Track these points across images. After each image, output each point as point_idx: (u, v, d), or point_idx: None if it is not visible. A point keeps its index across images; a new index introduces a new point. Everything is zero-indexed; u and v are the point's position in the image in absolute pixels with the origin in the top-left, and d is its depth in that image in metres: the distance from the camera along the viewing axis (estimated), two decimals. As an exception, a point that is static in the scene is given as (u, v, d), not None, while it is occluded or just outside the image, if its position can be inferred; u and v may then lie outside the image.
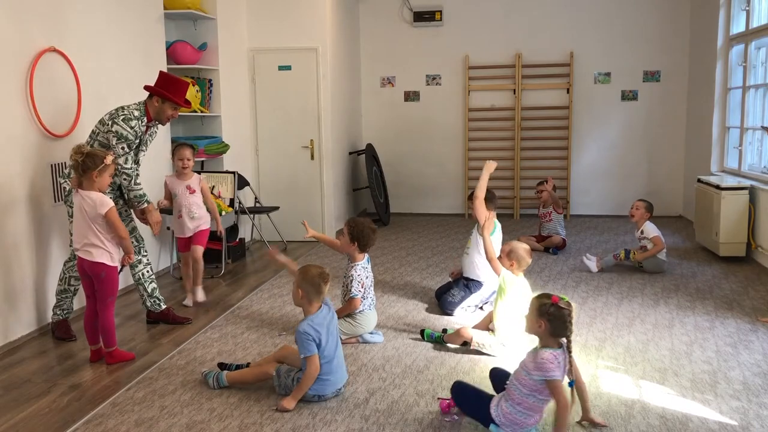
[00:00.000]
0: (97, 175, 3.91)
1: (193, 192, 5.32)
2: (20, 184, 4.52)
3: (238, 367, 3.78)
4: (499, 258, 4.23)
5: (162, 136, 6.29)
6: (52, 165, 4.80)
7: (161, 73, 4.73)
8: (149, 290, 4.76)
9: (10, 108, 4.41)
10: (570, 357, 2.96)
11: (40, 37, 4.67)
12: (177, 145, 5.41)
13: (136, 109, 4.52)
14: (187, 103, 4.82)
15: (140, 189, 4.54)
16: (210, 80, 6.99)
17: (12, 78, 4.44)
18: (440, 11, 9.12)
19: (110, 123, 4.44)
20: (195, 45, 6.74)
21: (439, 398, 3.46)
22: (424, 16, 9.14)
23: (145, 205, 4.59)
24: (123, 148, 4.42)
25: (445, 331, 4.34)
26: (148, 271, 4.76)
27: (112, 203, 3.94)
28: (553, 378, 2.86)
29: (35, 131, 4.64)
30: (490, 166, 4.93)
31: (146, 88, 4.66)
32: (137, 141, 4.54)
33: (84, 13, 5.14)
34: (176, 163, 5.34)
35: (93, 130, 4.57)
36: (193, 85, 6.68)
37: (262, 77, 7.71)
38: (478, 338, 4.06)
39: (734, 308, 4.96)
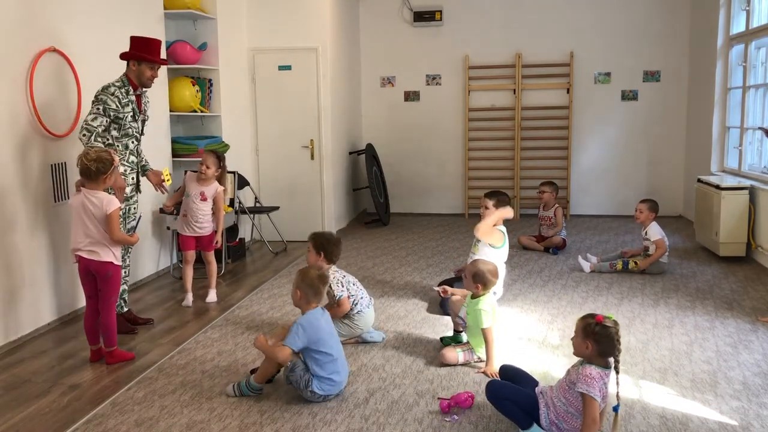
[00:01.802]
0: (108, 177, 3.96)
1: (204, 200, 5.26)
2: (20, 184, 4.52)
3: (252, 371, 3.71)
4: (463, 276, 4.13)
5: (162, 135, 6.30)
6: (52, 165, 4.80)
7: (132, 38, 4.70)
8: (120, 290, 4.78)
9: (10, 108, 4.42)
10: (618, 379, 2.85)
11: (40, 37, 4.67)
12: (207, 148, 5.38)
13: (117, 81, 4.56)
14: (164, 60, 4.80)
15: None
16: (210, 80, 6.99)
17: (12, 78, 4.44)
18: (440, 11, 9.12)
19: (94, 100, 4.46)
20: (195, 45, 6.74)
21: (439, 398, 3.46)
22: (424, 16, 9.14)
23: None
24: (97, 109, 4.41)
25: (442, 340, 4.31)
26: (126, 273, 4.77)
27: (118, 203, 3.97)
28: (591, 395, 2.78)
29: (35, 131, 4.64)
30: (505, 213, 4.92)
31: (121, 56, 4.65)
32: (124, 110, 4.50)
33: (84, 13, 5.15)
34: (198, 166, 5.32)
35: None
36: (193, 85, 6.68)
37: (262, 77, 7.71)
38: (463, 359, 3.96)
39: (734, 308, 4.96)
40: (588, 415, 2.80)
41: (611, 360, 2.86)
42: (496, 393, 3.13)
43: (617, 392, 2.87)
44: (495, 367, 3.74)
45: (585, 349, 2.86)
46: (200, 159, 5.41)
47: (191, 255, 5.37)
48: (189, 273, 5.36)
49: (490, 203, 5.08)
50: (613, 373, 2.86)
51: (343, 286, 4.33)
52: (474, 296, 3.99)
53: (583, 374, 2.84)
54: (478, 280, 3.96)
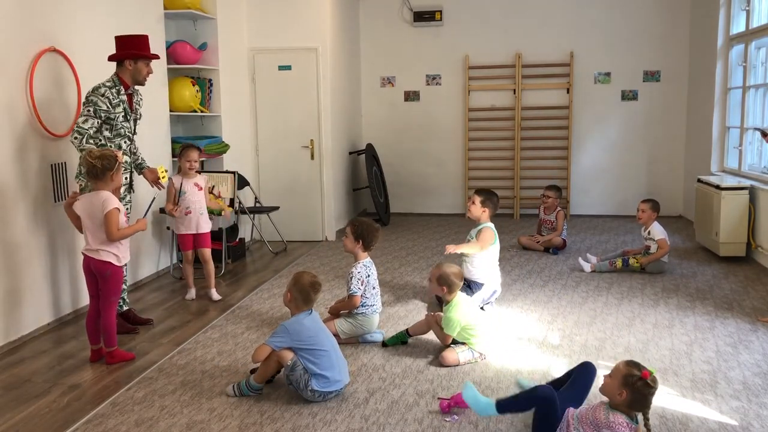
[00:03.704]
0: (114, 175, 3.96)
1: (201, 189, 5.42)
2: (20, 184, 4.52)
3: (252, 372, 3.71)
4: (429, 281, 4.17)
5: (162, 135, 6.30)
6: (52, 165, 4.80)
7: (118, 38, 4.67)
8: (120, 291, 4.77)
9: (10, 108, 4.42)
10: None
11: (40, 37, 4.67)
12: (184, 146, 5.46)
13: (107, 81, 4.55)
14: (155, 55, 4.77)
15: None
16: (210, 80, 6.99)
17: (12, 77, 4.44)
18: (440, 11, 9.12)
19: (84, 101, 4.48)
20: (195, 45, 6.74)
21: (439, 398, 3.46)
22: (424, 16, 9.14)
23: None
24: (88, 111, 4.42)
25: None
26: (124, 272, 4.74)
27: (116, 204, 3.96)
28: None
29: (35, 131, 4.64)
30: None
31: (110, 58, 4.64)
32: (115, 110, 4.50)
33: (84, 13, 5.15)
34: (183, 164, 5.39)
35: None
36: (193, 85, 6.68)
37: (262, 77, 7.71)
38: (464, 359, 3.98)
39: (734, 308, 4.96)
40: None
41: (638, 415, 2.76)
42: (545, 399, 2.95)
43: None
44: (461, 360, 3.95)
45: (617, 395, 2.73)
46: (201, 159, 5.43)
47: (192, 254, 5.48)
48: (190, 271, 5.49)
49: (478, 199, 5.18)
50: (638, 426, 2.77)
51: (362, 285, 4.36)
52: (447, 302, 4.09)
53: (614, 422, 2.73)
54: (443, 282, 4.04)
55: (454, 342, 4.10)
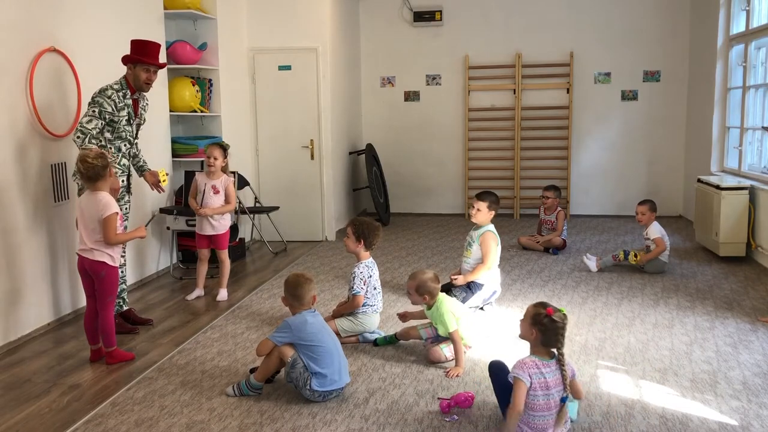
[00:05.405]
0: (111, 172, 3.98)
1: (217, 193, 5.38)
2: (20, 184, 4.52)
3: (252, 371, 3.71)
4: (408, 294, 4.10)
5: (162, 135, 6.30)
6: (52, 165, 4.80)
7: (132, 42, 4.71)
8: (118, 290, 4.77)
9: (10, 108, 4.42)
10: (563, 370, 2.91)
11: (40, 37, 4.67)
12: (209, 143, 5.47)
13: (116, 83, 4.58)
14: (161, 64, 4.79)
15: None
16: (210, 80, 6.99)
17: (12, 78, 4.44)
18: (440, 11, 9.12)
19: (90, 102, 4.49)
20: (195, 45, 6.74)
21: (439, 398, 3.46)
22: (424, 16, 9.14)
23: None
24: (93, 111, 4.44)
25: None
26: (123, 272, 4.77)
27: (116, 209, 3.95)
28: (517, 375, 2.89)
29: (35, 131, 4.64)
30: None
31: (122, 60, 4.67)
32: (119, 114, 4.52)
33: (84, 13, 5.15)
34: (205, 161, 5.42)
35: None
36: (193, 85, 6.68)
37: (262, 77, 7.71)
38: (450, 354, 3.96)
39: (734, 308, 4.96)
40: (514, 398, 2.87)
41: (554, 351, 2.95)
42: (498, 369, 3.17)
43: (565, 384, 2.92)
44: (447, 355, 3.95)
45: (530, 335, 2.99)
46: (200, 159, 5.44)
47: (205, 253, 5.48)
48: (201, 271, 5.51)
49: (483, 205, 5.10)
50: (557, 365, 2.93)
51: (365, 285, 4.37)
52: (429, 307, 4.04)
53: (520, 360, 2.94)
54: (423, 291, 3.99)
55: (438, 339, 4.08)
